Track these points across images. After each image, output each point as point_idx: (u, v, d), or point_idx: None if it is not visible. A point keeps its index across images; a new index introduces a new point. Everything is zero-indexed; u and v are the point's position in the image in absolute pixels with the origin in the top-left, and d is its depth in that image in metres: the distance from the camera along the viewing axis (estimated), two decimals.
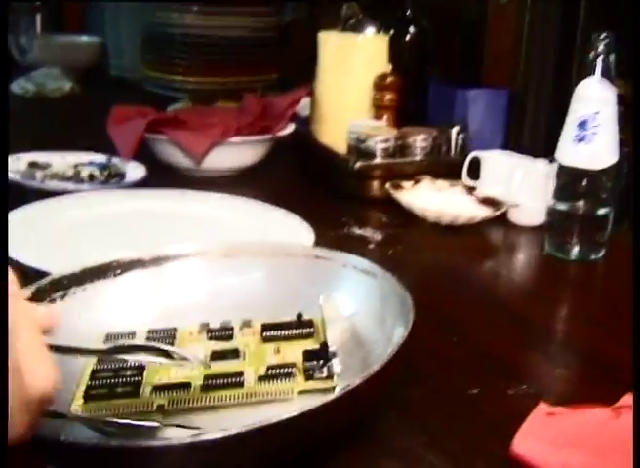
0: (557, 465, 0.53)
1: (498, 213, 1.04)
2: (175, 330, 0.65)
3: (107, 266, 0.68)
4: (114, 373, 0.59)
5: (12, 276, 0.41)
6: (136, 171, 1.19)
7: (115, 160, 1.22)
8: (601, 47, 0.91)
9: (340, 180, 1.16)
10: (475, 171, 1.10)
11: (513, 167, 1.05)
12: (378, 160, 1.13)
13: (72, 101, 1.88)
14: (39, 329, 0.41)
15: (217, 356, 0.61)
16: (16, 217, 0.93)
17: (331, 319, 0.65)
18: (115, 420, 0.53)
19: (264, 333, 0.64)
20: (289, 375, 0.58)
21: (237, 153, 1.25)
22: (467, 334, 0.76)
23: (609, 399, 0.60)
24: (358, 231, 1.02)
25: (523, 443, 0.55)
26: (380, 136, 1.14)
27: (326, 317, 0.65)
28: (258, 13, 1.78)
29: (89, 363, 0.61)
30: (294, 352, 0.62)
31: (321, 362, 0.60)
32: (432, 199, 1.06)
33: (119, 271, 0.69)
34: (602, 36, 0.91)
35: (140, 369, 0.60)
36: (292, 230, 0.96)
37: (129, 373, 0.59)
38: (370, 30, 1.27)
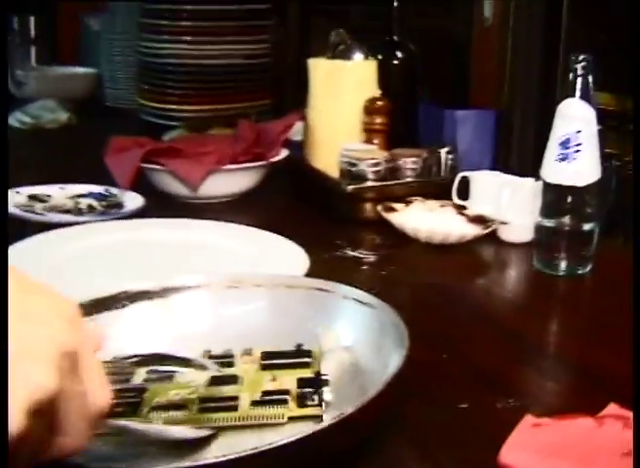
0: None
1: (487, 231, 1.07)
2: (175, 357, 0.67)
3: (114, 297, 0.71)
4: (116, 394, 0.61)
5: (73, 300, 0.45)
6: (134, 201, 1.21)
7: (113, 190, 1.25)
8: (580, 68, 0.94)
9: (333, 203, 1.19)
10: (465, 190, 1.13)
11: (501, 186, 1.08)
12: (369, 183, 1.16)
13: (69, 132, 1.90)
14: (96, 349, 0.46)
15: (215, 381, 0.64)
16: (17, 250, 0.96)
17: (330, 349, 0.67)
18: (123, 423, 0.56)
19: (263, 361, 0.67)
20: (282, 402, 0.60)
21: (232, 180, 1.28)
22: (459, 350, 0.79)
23: (596, 410, 0.63)
24: (352, 253, 1.05)
25: (510, 453, 0.57)
26: (371, 159, 1.17)
27: (325, 347, 0.68)
28: (248, 41, 1.81)
29: None
30: (289, 380, 0.64)
31: (312, 389, 0.62)
32: (423, 219, 1.09)
33: (126, 302, 0.71)
34: (580, 58, 0.94)
35: (141, 391, 0.62)
36: (287, 255, 0.98)
37: (129, 394, 0.61)
38: (358, 56, 1.30)
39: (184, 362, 0.64)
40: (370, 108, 1.25)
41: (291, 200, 1.31)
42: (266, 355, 0.67)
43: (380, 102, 1.25)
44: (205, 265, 0.97)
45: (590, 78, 0.94)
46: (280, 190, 1.34)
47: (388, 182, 1.17)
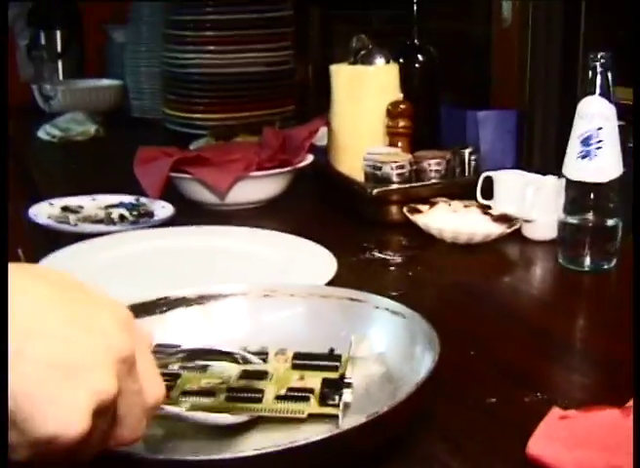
0: (569, 463, 0.57)
1: (512, 229, 1.08)
2: (215, 349, 0.69)
3: (154, 303, 0.73)
4: None
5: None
6: (164, 209, 1.24)
7: (143, 200, 1.28)
8: (598, 65, 0.95)
9: (359, 207, 1.21)
10: (488, 190, 1.14)
11: (525, 184, 1.09)
12: (394, 185, 1.18)
13: (98, 144, 1.93)
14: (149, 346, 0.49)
15: (246, 375, 0.66)
16: (52, 261, 0.99)
17: (362, 356, 0.69)
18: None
19: (294, 361, 0.69)
20: (304, 399, 0.63)
21: (259, 186, 1.30)
22: (486, 347, 0.80)
23: (623, 402, 0.64)
24: (379, 254, 1.07)
25: (537, 445, 0.59)
26: (396, 161, 1.18)
27: (357, 354, 0.69)
28: (271, 49, 1.83)
29: None
30: (315, 380, 0.66)
31: (334, 390, 0.64)
32: (448, 220, 1.10)
33: (165, 308, 0.74)
34: (599, 55, 0.95)
35: (176, 376, 0.66)
36: (315, 259, 1.00)
37: (164, 379, 0.64)
38: (380, 60, 1.31)
39: (225, 355, 0.67)
40: (393, 112, 1.27)
41: (317, 204, 1.33)
42: (298, 355, 0.69)
43: (402, 106, 1.27)
44: (235, 271, 1.00)
45: (609, 75, 0.96)
46: (306, 195, 1.36)
47: (413, 184, 1.19)
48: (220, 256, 1.05)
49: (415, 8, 1.39)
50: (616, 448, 0.56)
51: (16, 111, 2.32)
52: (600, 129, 0.96)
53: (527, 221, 1.09)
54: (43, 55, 2.16)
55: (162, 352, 0.66)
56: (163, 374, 0.63)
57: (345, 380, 0.65)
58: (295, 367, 0.68)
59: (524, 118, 1.40)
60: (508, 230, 1.08)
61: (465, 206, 1.13)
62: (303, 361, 0.69)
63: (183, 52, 1.83)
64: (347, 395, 0.64)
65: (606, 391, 0.71)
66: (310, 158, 1.34)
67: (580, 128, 0.97)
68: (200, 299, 0.75)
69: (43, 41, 2.40)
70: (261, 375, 0.66)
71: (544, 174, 1.12)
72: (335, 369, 0.67)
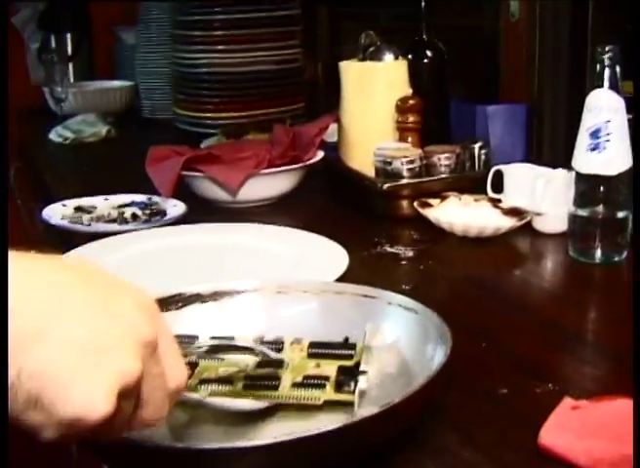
0: (580, 453, 0.57)
1: (522, 222, 1.09)
2: (232, 338, 0.71)
3: (170, 299, 0.74)
4: None
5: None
6: (176, 208, 1.25)
7: (156, 199, 1.29)
8: (606, 58, 0.96)
9: (370, 202, 1.22)
10: (499, 184, 1.15)
11: (535, 177, 1.10)
12: (405, 180, 1.18)
13: (110, 145, 1.95)
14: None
15: (263, 364, 0.67)
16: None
17: (376, 346, 0.70)
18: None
19: (310, 350, 0.70)
20: (320, 386, 0.64)
21: (271, 183, 1.30)
22: (497, 339, 0.81)
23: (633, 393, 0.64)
24: (390, 249, 1.07)
25: (549, 434, 0.59)
26: (406, 156, 1.19)
27: (371, 343, 0.70)
28: (279, 47, 1.84)
29: None
30: (331, 368, 0.67)
31: (349, 377, 0.65)
32: (459, 214, 1.11)
33: (180, 304, 0.74)
34: (607, 48, 0.96)
35: (194, 365, 0.67)
36: (327, 254, 1.01)
37: None
38: (389, 56, 1.32)
39: (244, 350, 0.68)
40: (402, 107, 1.27)
41: (328, 200, 1.34)
42: (313, 344, 0.70)
43: (411, 101, 1.27)
44: (248, 267, 1.00)
45: (618, 68, 0.96)
46: (317, 191, 1.36)
47: (423, 179, 1.19)
48: (233, 253, 1.05)
49: (423, 4, 1.40)
50: (627, 438, 0.57)
51: (27, 114, 2.35)
52: (609, 121, 0.96)
53: (537, 214, 1.09)
54: (54, 57, 2.17)
55: (180, 343, 0.67)
56: None
57: (360, 368, 0.66)
58: (310, 355, 0.69)
59: (533, 112, 1.40)
60: (519, 223, 1.08)
61: (476, 199, 1.13)
62: (319, 350, 0.69)
63: (193, 51, 1.84)
64: (363, 382, 0.65)
65: (617, 382, 0.72)
66: (321, 154, 1.35)
67: (588, 121, 0.98)
68: (215, 295, 0.76)
69: (53, 44, 2.42)
70: (278, 364, 0.67)
71: (554, 167, 1.12)
72: (350, 357, 0.68)
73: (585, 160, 0.98)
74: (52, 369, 0.41)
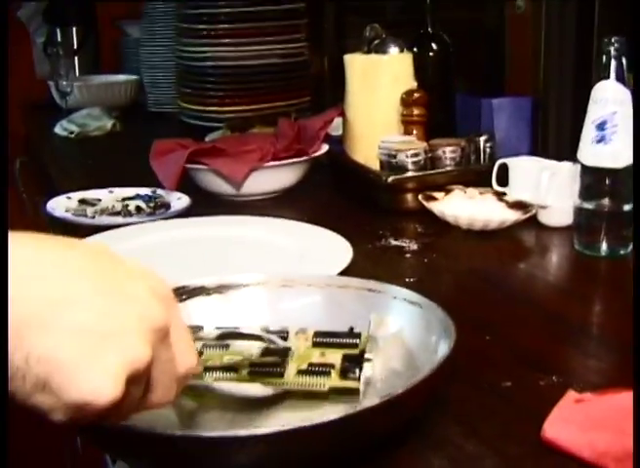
0: (584, 446, 0.57)
1: (527, 215, 1.08)
2: (237, 328, 0.70)
3: (174, 291, 0.73)
4: None
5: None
6: (180, 201, 1.25)
7: (160, 192, 1.29)
8: (613, 50, 0.95)
9: (374, 195, 1.21)
10: (504, 177, 1.14)
11: (540, 170, 1.09)
12: (410, 173, 1.18)
13: (115, 139, 1.95)
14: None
15: (268, 352, 0.67)
16: None
17: (381, 337, 0.70)
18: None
19: (315, 339, 0.70)
20: (325, 373, 0.64)
21: (275, 177, 1.30)
22: (502, 332, 0.80)
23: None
24: (394, 242, 1.07)
25: (552, 427, 0.59)
26: (411, 149, 1.18)
27: (376, 334, 0.70)
28: (285, 41, 1.84)
29: None
30: (336, 356, 0.67)
31: (354, 364, 0.65)
32: (464, 207, 1.10)
33: (184, 297, 0.74)
34: (613, 39, 0.95)
35: (199, 354, 0.66)
36: (331, 246, 1.01)
37: None
38: (394, 50, 1.31)
39: (251, 337, 0.68)
40: (407, 100, 1.27)
41: (333, 193, 1.33)
42: (319, 334, 0.70)
43: (417, 94, 1.27)
44: (252, 260, 1.00)
45: (624, 60, 0.95)
46: (322, 184, 1.36)
47: (428, 172, 1.19)
48: (237, 246, 1.05)
49: None
50: (630, 432, 0.56)
51: (32, 108, 2.35)
52: (615, 113, 0.96)
53: (542, 207, 1.08)
54: (59, 51, 2.17)
55: None
56: None
57: (365, 356, 0.66)
58: (315, 344, 0.69)
59: (539, 105, 1.40)
60: (524, 217, 1.08)
61: (481, 193, 1.13)
62: (323, 339, 0.69)
63: (198, 45, 1.83)
64: (368, 369, 0.65)
65: (622, 375, 0.71)
66: (325, 148, 1.35)
67: (594, 113, 0.97)
68: (219, 288, 0.76)
69: (59, 38, 2.42)
70: (283, 353, 0.67)
71: (560, 160, 1.11)
72: (354, 346, 0.68)
73: (591, 152, 0.97)
74: (60, 353, 0.41)
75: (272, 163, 1.28)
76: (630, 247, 0.99)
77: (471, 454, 0.59)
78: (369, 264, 0.99)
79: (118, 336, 0.43)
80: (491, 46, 1.55)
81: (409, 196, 1.17)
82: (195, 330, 0.69)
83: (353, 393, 0.63)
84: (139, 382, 0.45)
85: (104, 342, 0.42)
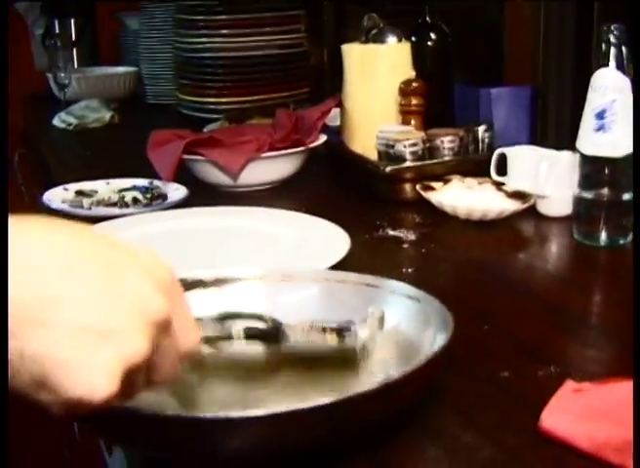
0: (583, 436, 0.56)
1: (526, 205, 1.07)
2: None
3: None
4: None
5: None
6: (177, 191, 1.24)
7: (157, 183, 1.28)
8: (612, 37, 0.94)
9: (372, 185, 1.20)
10: (502, 167, 1.13)
11: (539, 160, 1.08)
12: (408, 163, 1.17)
13: (113, 131, 1.94)
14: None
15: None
16: None
17: (379, 332, 0.69)
18: None
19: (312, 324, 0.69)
20: (322, 332, 0.65)
21: (273, 167, 1.29)
22: (500, 323, 0.80)
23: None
24: (392, 232, 1.06)
25: (550, 417, 0.58)
26: (409, 139, 1.17)
27: (374, 327, 0.69)
28: (283, 31, 1.83)
29: None
30: (332, 335, 0.66)
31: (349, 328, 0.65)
32: (462, 197, 1.09)
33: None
34: (612, 27, 0.94)
35: None
36: (329, 237, 1.00)
37: None
38: (392, 39, 1.31)
39: (251, 317, 0.67)
40: (405, 90, 1.26)
41: (331, 184, 1.33)
42: (315, 321, 0.69)
43: (415, 84, 1.26)
44: (249, 250, 1.00)
45: (624, 48, 0.94)
46: (320, 175, 1.35)
47: (426, 162, 1.18)
48: (234, 236, 1.04)
49: None
50: (630, 422, 0.56)
51: (31, 100, 2.34)
52: (614, 101, 0.95)
53: (541, 197, 1.07)
54: (57, 43, 2.16)
55: None
56: None
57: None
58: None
59: (538, 94, 1.39)
60: (523, 206, 1.07)
61: (479, 183, 1.12)
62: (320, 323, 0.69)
63: (196, 36, 1.82)
64: (363, 332, 0.65)
65: (621, 365, 0.71)
66: (323, 138, 1.34)
67: (593, 101, 0.96)
68: (217, 282, 0.75)
69: (57, 29, 2.41)
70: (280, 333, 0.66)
71: (559, 149, 1.10)
72: (348, 329, 0.68)
73: (590, 141, 0.96)
74: (55, 351, 0.41)
75: (269, 153, 1.27)
76: (630, 236, 0.99)
77: (469, 445, 0.58)
78: (366, 255, 0.98)
79: (115, 332, 0.42)
80: (490, 35, 1.54)
81: (407, 186, 1.17)
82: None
83: (351, 358, 0.63)
84: (139, 371, 0.44)
85: (101, 339, 0.42)
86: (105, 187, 1.29)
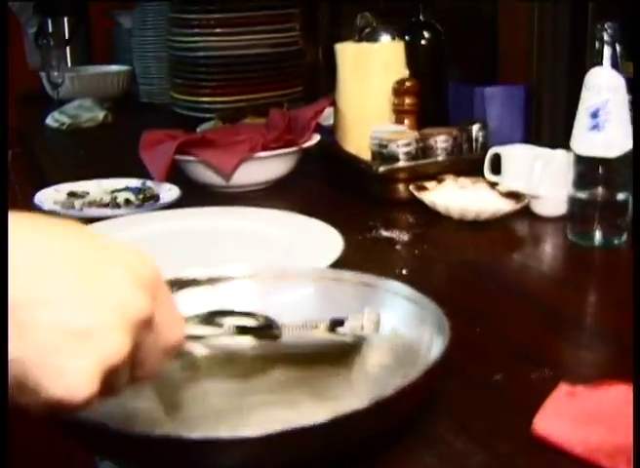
0: (577, 442, 0.55)
1: (520, 205, 1.06)
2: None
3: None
4: None
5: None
6: (169, 192, 1.23)
7: (149, 183, 1.27)
8: (606, 36, 0.93)
9: (365, 185, 1.20)
10: (497, 166, 1.13)
11: (533, 159, 1.08)
12: (401, 163, 1.16)
13: (106, 130, 1.93)
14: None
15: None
16: None
17: (375, 335, 0.68)
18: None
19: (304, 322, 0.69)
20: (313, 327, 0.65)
21: (266, 167, 1.29)
22: (493, 324, 0.79)
23: (631, 379, 0.62)
24: (385, 233, 1.06)
25: (544, 422, 0.57)
26: (402, 139, 1.17)
27: (369, 328, 0.69)
28: (277, 30, 1.82)
29: None
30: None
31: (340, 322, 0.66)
32: (455, 197, 1.09)
33: (175, 288, 0.72)
34: (607, 25, 0.93)
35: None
36: (321, 237, 0.99)
37: None
38: (385, 38, 1.30)
39: (243, 315, 0.66)
40: (399, 89, 1.25)
41: (324, 184, 1.32)
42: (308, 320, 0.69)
43: (408, 83, 1.25)
44: (241, 251, 0.99)
45: (618, 46, 0.93)
46: (313, 175, 1.34)
47: (419, 162, 1.17)
48: (226, 237, 1.04)
49: None
50: (621, 427, 0.55)
51: (25, 99, 2.33)
52: (608, 101, 0.94)
53: (535, 197, 1.07)
54: (50, 42, 2.15)
55: None
56: None
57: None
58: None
59: (532, 93, 1.38)
60: (517, 206, 1.07)
61: (473, 182, 1.11)
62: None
63: (189, 35, 1.81)
64: (357, 325, 0.66)
65: (615, 367, 0.70)
66: (317, 138, 1.33)
67: (587, 100, 0.95)
68: (210, 281, 0.74)
69: (50, 28, 2.40)
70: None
71: (554, 148, 1.10)
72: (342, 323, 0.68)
73: (585, 141, 0.96)
74: (34, 353, 0.40)
75: (262, 153, 1.26)
76: (624, 236, 0.98)
77: (462, 451, 0.58)
78: (359, 256, 0.97)
79: (95, 332, 0.42)
80: (484, 33, 1.53)
81: (400, 186, 1.16)
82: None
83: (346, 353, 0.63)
84: (121, 370, 0.44)
85: (80, 339, 0.41)
86: (97, 188, 1.28)
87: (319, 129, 1.36)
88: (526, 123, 1.36)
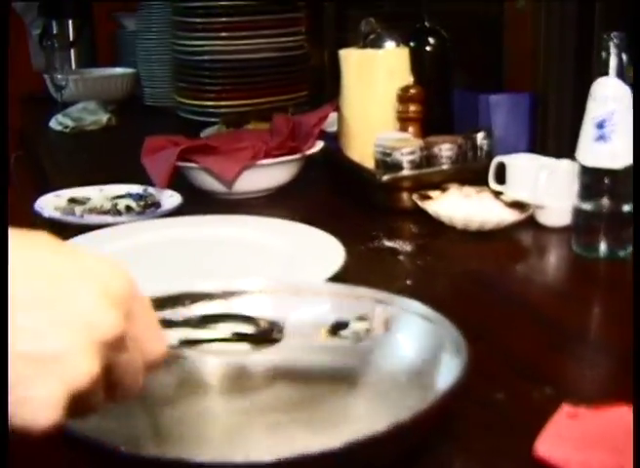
0: (578, 465, 0.54)
1: (524, 216, 1.05)
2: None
3: (178, 297, 0.71)
4: None
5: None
6: (171, 199, 1.22)
7: (151, 190, 1.26)
8: (612, 45, 0.92)
9: (369, 194, 1.19)
10: (501, 175, 1.12)
11: (538, 168, 1.06)
12: (405, 172, 1.15)
13: (110, 133, 1.92)
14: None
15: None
16: None
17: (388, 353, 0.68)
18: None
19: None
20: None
21: (269, 174, 1.28)
22: (496, 339, 0.78)
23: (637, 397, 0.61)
24: (388, 243, 1.05)
25: (545, 445, 0.56)
26: (406, 147, 1.16)
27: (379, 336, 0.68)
28: (282, 34, 1.81)
29: None
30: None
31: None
32: (460, 206, 1.07)
33: (187, 302, 0.72)
34: (613, 35, 0.92)
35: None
36: (323, 247, 0.98)
37: None
38: (390, 44, 1.29)
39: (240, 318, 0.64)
40: (403, 96, 1.24)
41: (327, 192, 1.31)
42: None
43: (413, 90, 1.24)
44: (243, 260, 0.98)
45: (624, 56, 0.92)
46: (316, 182, 1.33)
47: (424, 170, 1.16)
48: (227, 247, 1.03)
49: None
50: (626, 450, 0.54)
51: (29, 101, 2.33)
52: (614, 111, 0.93)
53: (540, 207, 1.06)
54: (55, 44, 2.14)
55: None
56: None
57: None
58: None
59: (538, 101, 1.37)
60: (521, 217, 1.05)
61: (477, 191, 1.10)
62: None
63: (194, 39, 1.81)
64: (362, 327, 0.66)
65: (620, 385, 0.69)
66: (320, 144, 1.32)
67: (594, 110, 0.94)
68: (223, 295, 0.73)
69: (55, 30, 2.40)
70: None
71: (559, 157, 1.09)
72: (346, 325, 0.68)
73: (590, 152, 0.95)
74: None
75: (265, 161, 1.25)
76: (630, 248, 0.97)
77: None
78: (362, 267, 0.96)
79: (58, 357, 0.40)
80: (489, 40, 1.52)
81: (404, 195, 1.15)
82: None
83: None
84: (90, 393, 0.42)
85: (43, 366, 0.39)
86: (99, 194, 1.27)
87: (323, 135, 1.35)
88: (531, 131, 1.35)
